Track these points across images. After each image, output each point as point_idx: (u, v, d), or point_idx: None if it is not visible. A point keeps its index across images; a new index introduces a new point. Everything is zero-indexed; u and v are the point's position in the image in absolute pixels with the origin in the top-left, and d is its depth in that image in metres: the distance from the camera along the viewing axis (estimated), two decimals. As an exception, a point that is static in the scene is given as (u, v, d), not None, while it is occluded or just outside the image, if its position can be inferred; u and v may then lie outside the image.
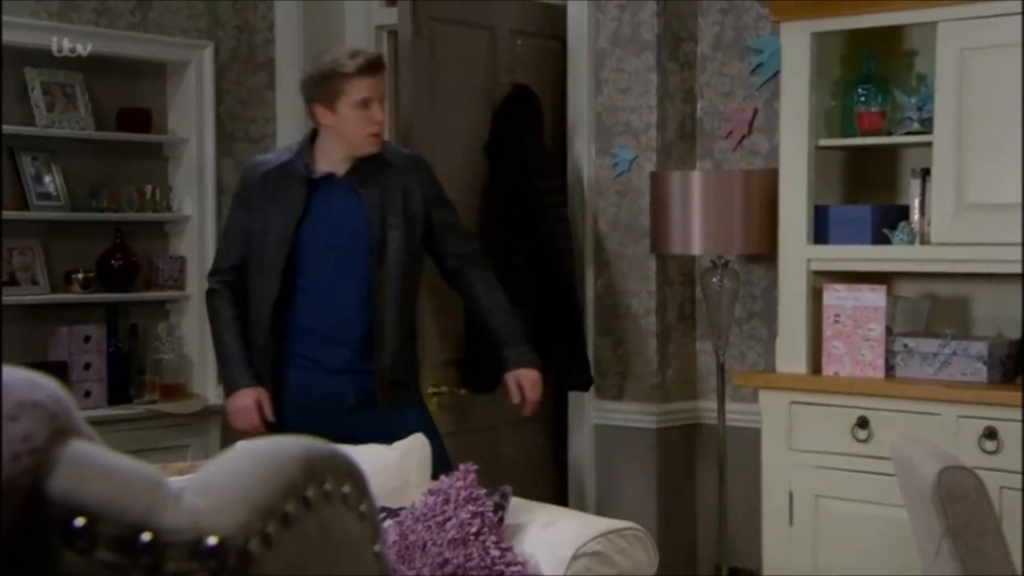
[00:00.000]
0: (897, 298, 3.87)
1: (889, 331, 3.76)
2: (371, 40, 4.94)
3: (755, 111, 4.29)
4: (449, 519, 3.01)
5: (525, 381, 3.65)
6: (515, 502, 3.08)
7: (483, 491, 3.01)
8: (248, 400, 3.57)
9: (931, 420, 3.56)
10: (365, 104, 3.52)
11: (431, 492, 3.05)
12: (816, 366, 3.86)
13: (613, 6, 4.38)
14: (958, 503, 2.41)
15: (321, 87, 3.54)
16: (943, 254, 3.67)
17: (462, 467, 3.05)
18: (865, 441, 3.67)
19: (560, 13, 4.49)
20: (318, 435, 1.37)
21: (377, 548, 1.35)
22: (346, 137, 3.55)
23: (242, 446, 1.26)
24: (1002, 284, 3.75)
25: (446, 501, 3.04)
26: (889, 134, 3.82)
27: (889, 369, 3.75)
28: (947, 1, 3.56)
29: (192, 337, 4.73)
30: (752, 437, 3.96)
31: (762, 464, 3.87)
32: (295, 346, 3.59)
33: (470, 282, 3.70)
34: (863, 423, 3.68)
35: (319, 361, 3.58)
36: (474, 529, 2.99)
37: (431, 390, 4.04)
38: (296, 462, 1.23)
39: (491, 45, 4.31)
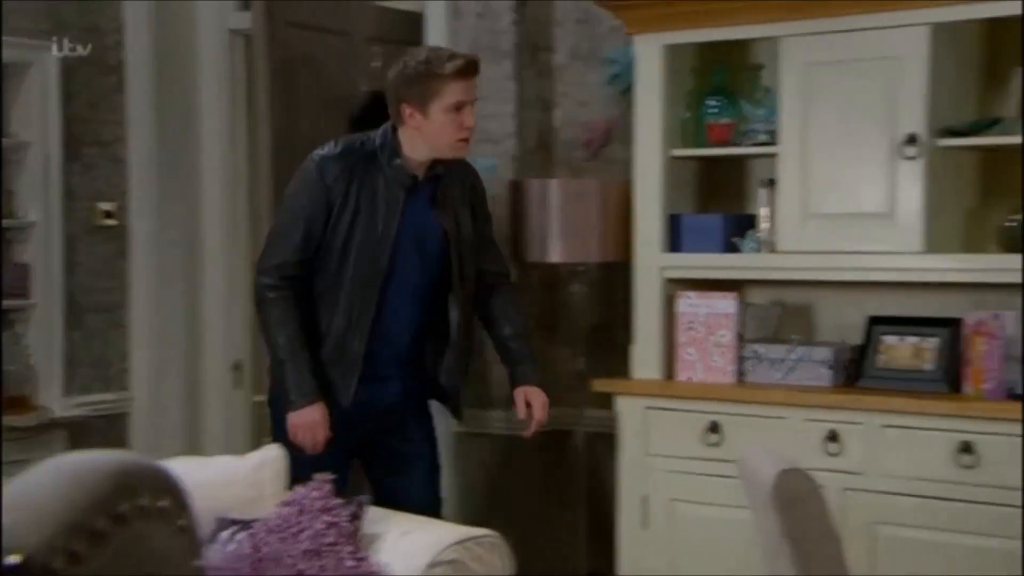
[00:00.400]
0: (748, 305, 3.96)
1: (740, 338, 3.85)
2: (225, 44, 4.89)
3: (612, 121, 4.35)
4: (304, 530, 2.99)
5: (535, 400, 3.62)
6: (373, 511, 3.07)
7: (338, 501, 3.00)
8: (317, 415, 3.41)
9: (779, 424, 3.65)
10: (458, 108, 3.38)
11: (285, 503, 3.02)
12: (670, 372, 3.93)
13: (471, 14, 4.40)
14: (794, 505, 2.47)
15: (414, 87, 3.37)
16: (789, 262, 3.76)
17: (317, 477, 3.04)
18: (717, 445, 3.75)
19: (418, 21, 4.50)
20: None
21: (197, 562, 1.34)
22: (433, 141, 3.41)
23: (53, 462, 1.24)
24: (845, 291, 3.86)
25: (300, 512, 3.03)
26: (737, 145, 3.92)
27: (740, 375, 3.83)
28: (790, 17, 3.66)
29: (38, 347, 4.62)
30: (612, 443, 4.01)
31: (618, 469, 3.93)
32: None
33: (501, 300, 3.67)
34: (715, 428, 3.76)
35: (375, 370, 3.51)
36: (329, 540, 2.98)
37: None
38: (107, 478, 1.21)
39: (348, 51, 4.30)
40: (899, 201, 3.56)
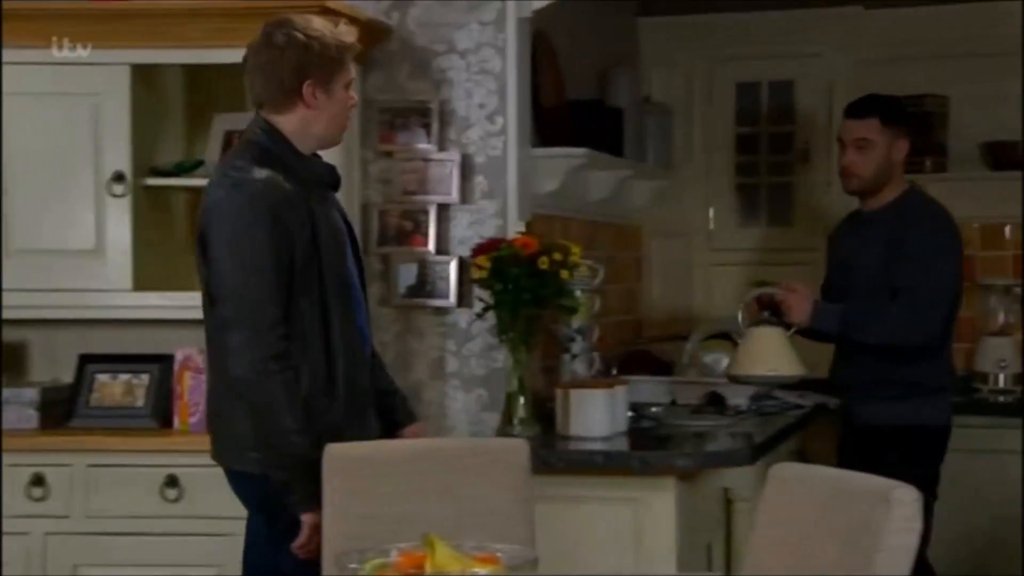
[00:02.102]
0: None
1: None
2: None
3: None
4: None
5: (424, 435, 3.14)
6: None
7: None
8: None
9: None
10: (348, 87, 2.94)
11: None
12: None
13: None
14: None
15: (322, 63, 2.85)
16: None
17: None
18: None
19: None
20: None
21: None
22: (330, 125, 2.91)
23: None
24: (58, 329, 3.81)
25: None
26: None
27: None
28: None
29: None
30: None
31: None
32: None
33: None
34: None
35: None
36: None
37: None
38: None
39: None
40: (108, 238, 3.57)
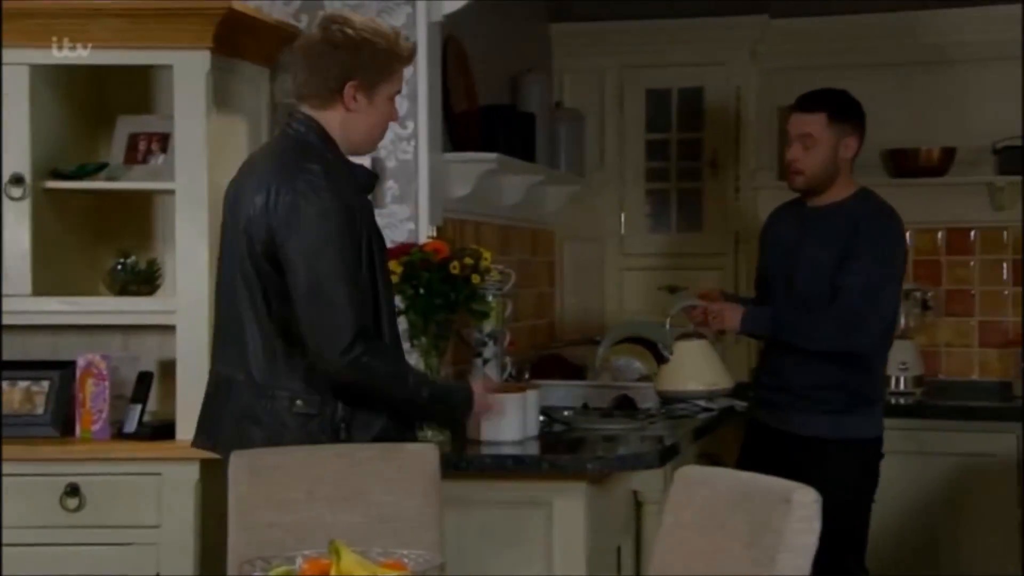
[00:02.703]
0: None
1: None
2: None
3: None
4: None
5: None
6: None
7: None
8: (478, 389, 3.04)
9: None
10: (393, 99, 2.89)
11: None
12: None
13: None
14: None
15: (371, 67, 2.80)
16: None
17: None
18: None
19: None
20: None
21: None
22: (369, 133, 2.88)
23: None
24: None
25: None
26: None
27: None
28: None
29: None
30: None
31: None
32: None
33: None
34: None
35: None
36: None
37: None
38: None
39: None
40: (7, 243, 3.48)
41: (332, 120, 2.83)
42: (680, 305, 4.02)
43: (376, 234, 2.87)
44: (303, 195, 2.70)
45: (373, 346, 2.76)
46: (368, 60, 2.79)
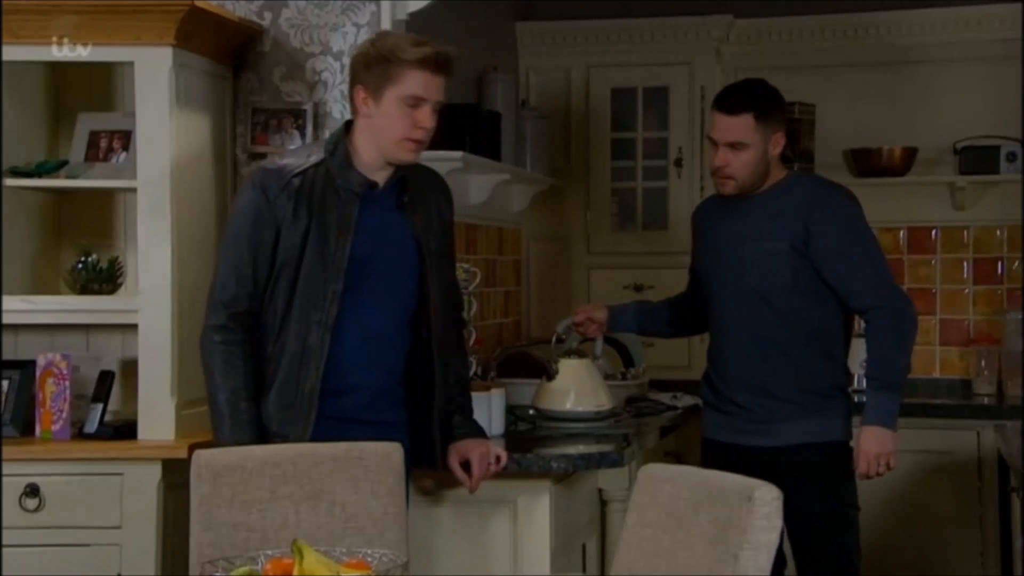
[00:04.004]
0: None
1: None
2: None
3: None
4: None
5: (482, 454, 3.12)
6: None
7: None
8: None
9: None
10: (414, 103, 2.94)
11: None
12: None
13: None
14: None
15: (371, 69, 2.96)
16: None
17: None
18: None
19: None
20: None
21: None
22: (381, 135, 2.98)
23: None
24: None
25: None
26: None
27: None
28: None
29: None
30: None
31: None
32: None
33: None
34: None
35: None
36: None
37: None
38: None
39: None
40: (-34, 241, 3.45)
41: (362, 128, 3.01)
42: (565, 323, 4.00)
43: (323, 227, 2.94)
44: (241, 190, 3.09)
45: (228, 335, 2.97)
46: (368, 66, 2.96)
